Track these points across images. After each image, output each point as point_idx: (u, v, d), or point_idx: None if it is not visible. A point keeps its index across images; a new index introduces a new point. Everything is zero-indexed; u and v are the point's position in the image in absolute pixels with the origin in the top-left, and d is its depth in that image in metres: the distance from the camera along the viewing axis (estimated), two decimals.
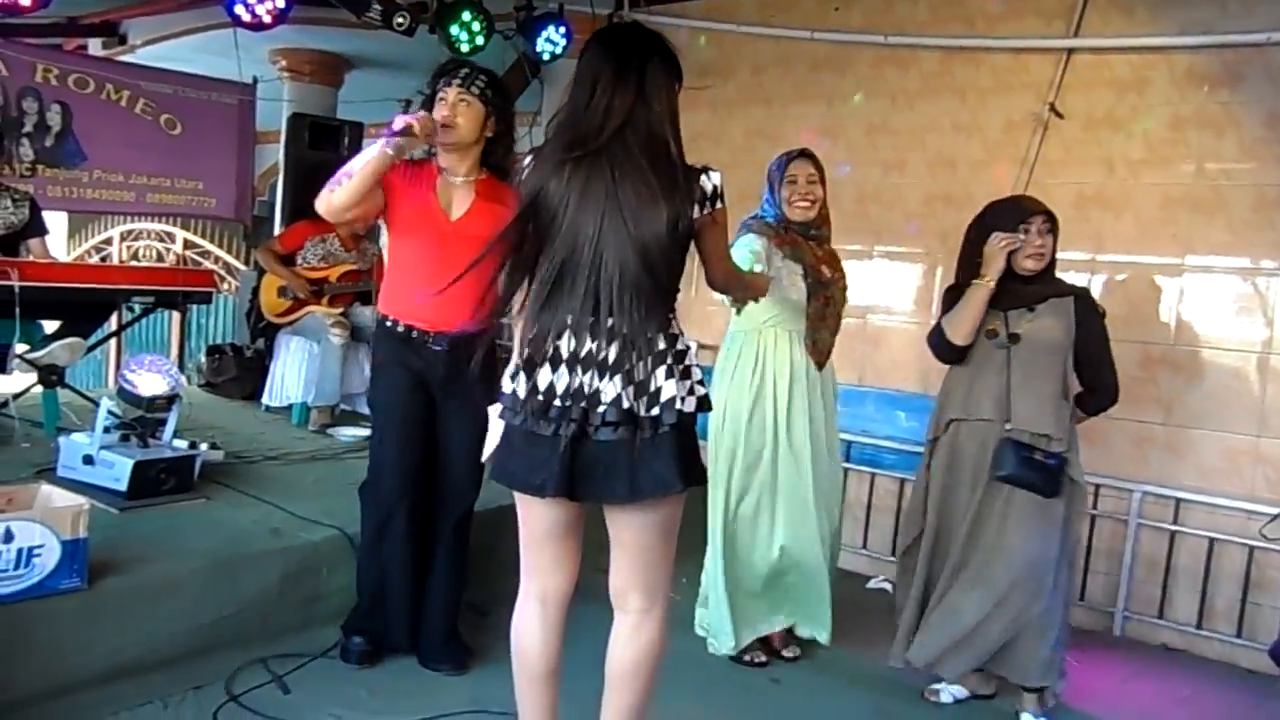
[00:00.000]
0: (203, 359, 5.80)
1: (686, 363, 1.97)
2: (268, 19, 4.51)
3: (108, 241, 10.02)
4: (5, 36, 5.52)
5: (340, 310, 4.96)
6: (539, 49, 5.17)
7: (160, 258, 9.59)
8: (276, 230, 6.18)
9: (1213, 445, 3.79)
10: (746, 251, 3.00)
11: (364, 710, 2.68)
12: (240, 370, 5.60)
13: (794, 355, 3.14)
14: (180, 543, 2.91)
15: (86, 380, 7.60)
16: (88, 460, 3.26)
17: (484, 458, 2.89)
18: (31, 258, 4.23)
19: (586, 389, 1.90)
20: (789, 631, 3.32)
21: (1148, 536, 3.88)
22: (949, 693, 3.05)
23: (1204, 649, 3.78)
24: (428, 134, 2.58)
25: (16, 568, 2.40)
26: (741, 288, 2.47)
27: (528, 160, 2.01)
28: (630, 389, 1.89)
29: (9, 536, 2.39)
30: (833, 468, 3.26)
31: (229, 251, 9.24)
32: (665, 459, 1.89)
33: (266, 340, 5.30)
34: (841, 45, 4.68)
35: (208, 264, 8.98)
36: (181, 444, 3.49)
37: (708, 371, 2.32)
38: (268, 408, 5.16)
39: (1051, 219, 2.90)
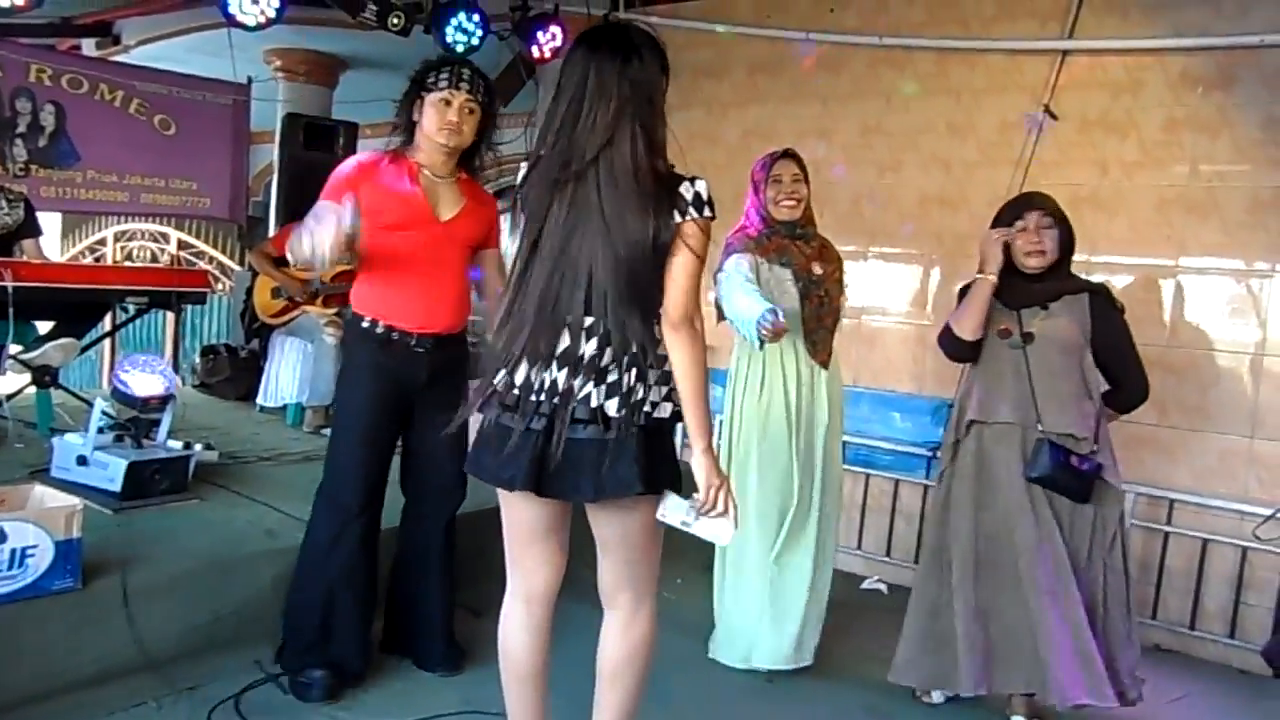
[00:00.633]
0: (197, 359, 5.80)
1: (666, 368, 1.94)
2: (262, 19, 4.50)
3: (102, 242, 10.01)
4: None
5: (334, 310, 4.95)
6: (534, 50, 5.17)
7: (154, 258, 9.57)
8: (271, 231, 6.17)
9: (1206, 446, 3.80)
10: (740, 279, 2.90)
11: (359, 710, 2.68)
12: (235, 371, 5.60)
13: (799, 365, 3.14)
14: (174, 543, 2.91)
15: (81, 381, 7.60)
16: (81, 461, 3.26)
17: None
18: (25, 258, 4.22)
19: (560, 386, 1.89)
20: None
21: (1141, 537, 3.88)
22: (941, 693, 3.04)
23: (1197, 650, 3.79)
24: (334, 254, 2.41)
25: (10, 568, 2.39)
26: (691, 328, 1.94)
27: (523, 173, 2.01)
28: (602, 389, 1.89)
29: (2, 537, 2.38)
30: (835, 475, 3.26)
31: (223, 252, 9.23)
32: (629, 461, 1.87)
33: (261, 341, 5.30)
34: (837, 46, 4.68)
35: (202, 264, 8.97)
36: (176, 444, 3.49)
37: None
38: (262, 408, 5.16)
39: (1055, 215, 2.86)
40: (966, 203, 3.04)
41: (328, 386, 4.78)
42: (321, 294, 4.99)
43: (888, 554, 4.48)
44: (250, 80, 6.35)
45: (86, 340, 4.58)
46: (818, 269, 3.17)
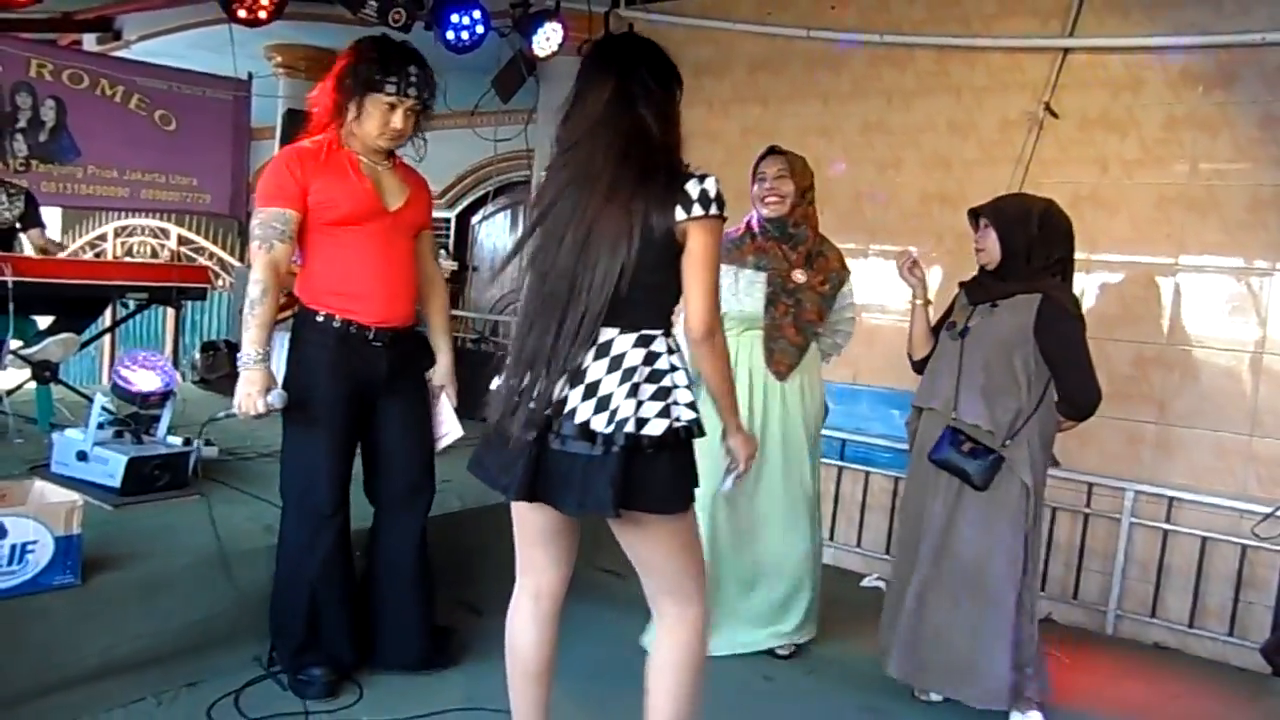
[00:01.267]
0: (197, 355, 5.80)
1: (664, 384, 1.90)
2: (263, 15, 4.50)
3: (102, 237, 9.98)
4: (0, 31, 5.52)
5: None
6: (535, 46, 5.17)
7: (154, 254, 9.55)
8: None
9: (1206, 444, 3.80)
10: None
11: (359, 707, 2.68)
12: (235, 367, 5.57)
13: (753, 373, 3.11)
14: (174, 539, 2.91)
15: (81, 376, 7.59)
16: (81, 456, 3.25)
17: (438, 445, 2.87)
18: (30, 249, 4.22)
19: (555, 395, 1.89)
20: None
21: (1140, 535, 3.89)
22: (939, 692, 3.04)
23: (1196, 648, 3.79)
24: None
25: (10, 564, 2.39)
26: (711, 343, 1.97)
27: (537, 185, 2.03)
28: (591, 404, 1.87)
29: (2, 532, 2.38)
30: (803, 480, 3.22)
31: (223, 248, 9.21)
32: (604, 480, 1.84)
33: None
34: (837, 44, 4.68)
35: (202, 260, 8.95)
36: (176, 440, 3.48)
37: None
38: None
39: (995, 217, 2.86)
40: (967, 201, 3.03)
41: None
42: None
43: (887, 551, 4.48)
44: (251, 76, 6.35)
45: (87, 336, 4.59)
46: (799, 276, 3.13)
